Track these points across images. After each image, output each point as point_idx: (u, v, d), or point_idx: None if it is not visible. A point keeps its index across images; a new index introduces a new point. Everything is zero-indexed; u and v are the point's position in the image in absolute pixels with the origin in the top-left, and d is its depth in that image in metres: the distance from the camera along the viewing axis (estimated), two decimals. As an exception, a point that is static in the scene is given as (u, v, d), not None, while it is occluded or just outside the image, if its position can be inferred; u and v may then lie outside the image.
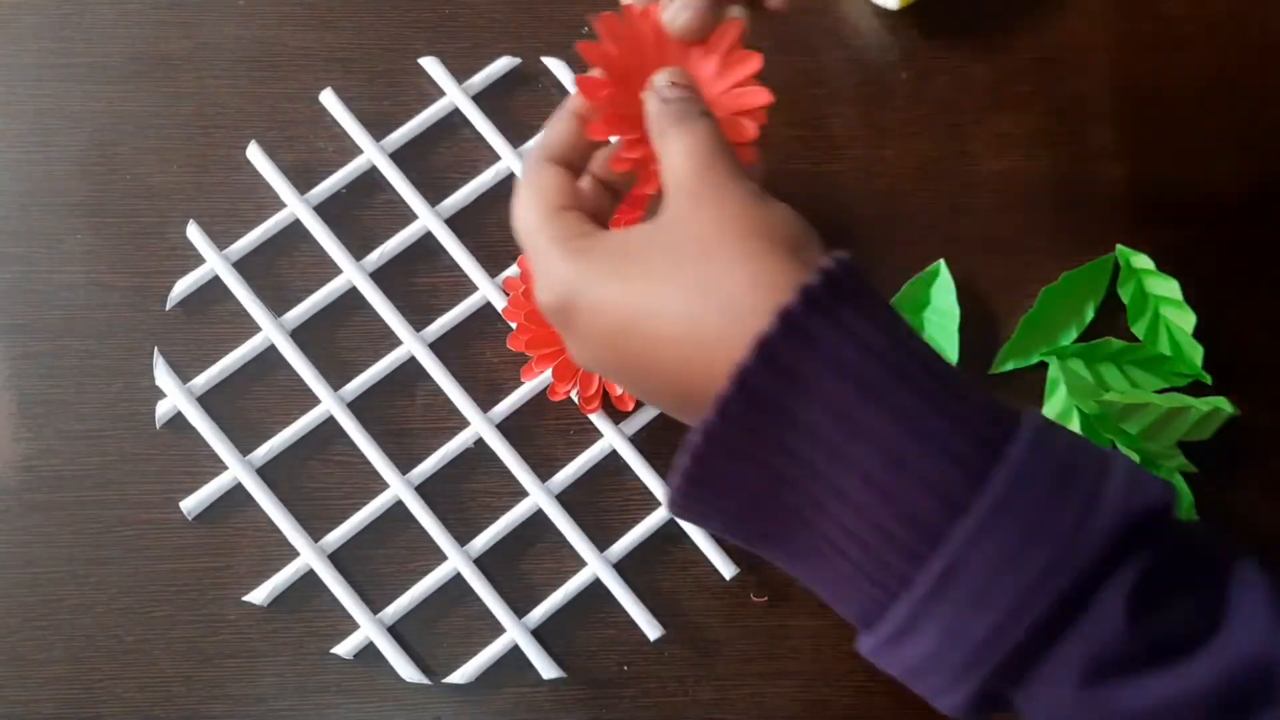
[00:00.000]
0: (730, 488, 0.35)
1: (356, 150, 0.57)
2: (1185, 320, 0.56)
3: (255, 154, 0.56)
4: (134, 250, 0.56)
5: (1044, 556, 0.32)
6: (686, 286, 0.35)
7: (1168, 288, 0.56)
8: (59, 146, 0.57)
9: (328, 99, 0.57)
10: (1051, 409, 0.56)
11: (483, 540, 0.53)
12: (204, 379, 0.54)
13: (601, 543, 0.53)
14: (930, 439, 0.33)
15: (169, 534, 0.53)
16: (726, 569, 0.53)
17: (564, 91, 0.59)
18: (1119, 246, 0.57)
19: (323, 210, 0.56)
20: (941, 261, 0.57)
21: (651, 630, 0.52)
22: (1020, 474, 0.33)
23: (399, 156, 0.57)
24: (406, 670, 0.52)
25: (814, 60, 0.60)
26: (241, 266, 0.56)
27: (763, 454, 0.33)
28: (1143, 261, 0.57)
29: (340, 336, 0.56)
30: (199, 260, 0.56)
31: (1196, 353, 0.56)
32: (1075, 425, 0.55)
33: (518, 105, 0.58)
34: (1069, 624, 0.33)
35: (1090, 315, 0.57)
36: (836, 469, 0.33)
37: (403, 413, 0.55)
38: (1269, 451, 0.56)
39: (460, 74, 0.58)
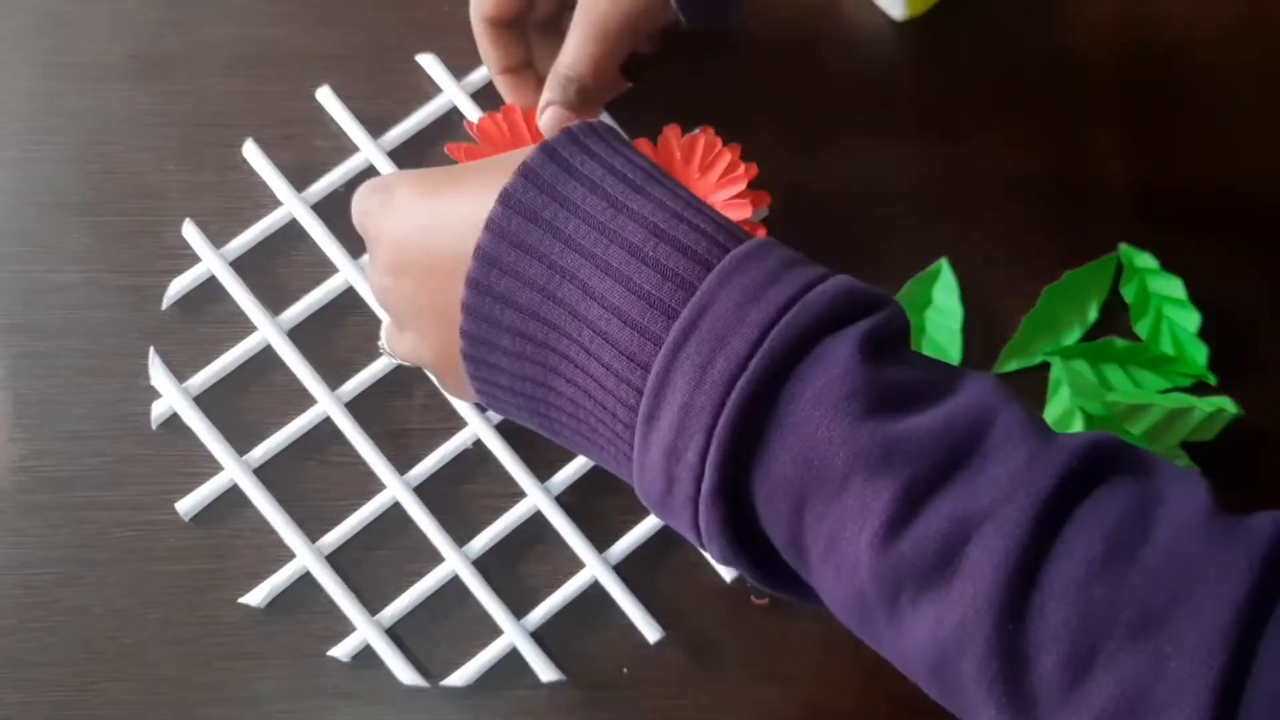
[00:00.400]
0: (507, 304, 0.39)
1: (354, 148, 0.57)
2: (1189, 320, 0.56)
3: (251, 151, 0.56)
4: (130, 250, 0.56)
5: (781, 298, 0.36)
6: (478, 181, 0.41)
7: (1171, 287, 0.56)
8: (55, 145, 0.57)
9: (324, 96, 0.57)
10: (1054, 409, 0.55)
11: (481, 542, 0.53)
12: (200, 379, 0.54)
13: (601, 544, 0.53)
14: (679, 218, 0.38)
15: (166, 535, 0.53)
16: (727, 571, 0.53)
17: None
18: (1122, 245, 0.57)
19: (320, 209, 0.56)
20: (944, 260, 0.57)
21: (651, 633, 0.52)
22: (764, 243, 0.38)
23: (397, 155, 0.57)
24: (404, 673, 0.51)
25: (815, 60, 0.59)
26: (238, 266, 0.55)
27: (534, 253, 0.38)
28: (1146, 260, 0.56)
29: (337, 336, 0.55)
30: (195, 259, 0.55)
31: (1200, 353, 0.55)
32: (1079, 426, 0.55)
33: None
34: (805, 361, 0.36)
35: (1094, 315, 0.57)
36: (600, 248, 0.38)
37: (400, 413, 0.54)
38: (1275, 451, 0.56)
39: (458, 72, 0.58)
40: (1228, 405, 0.53)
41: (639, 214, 0.38)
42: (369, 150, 0.56)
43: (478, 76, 0.58)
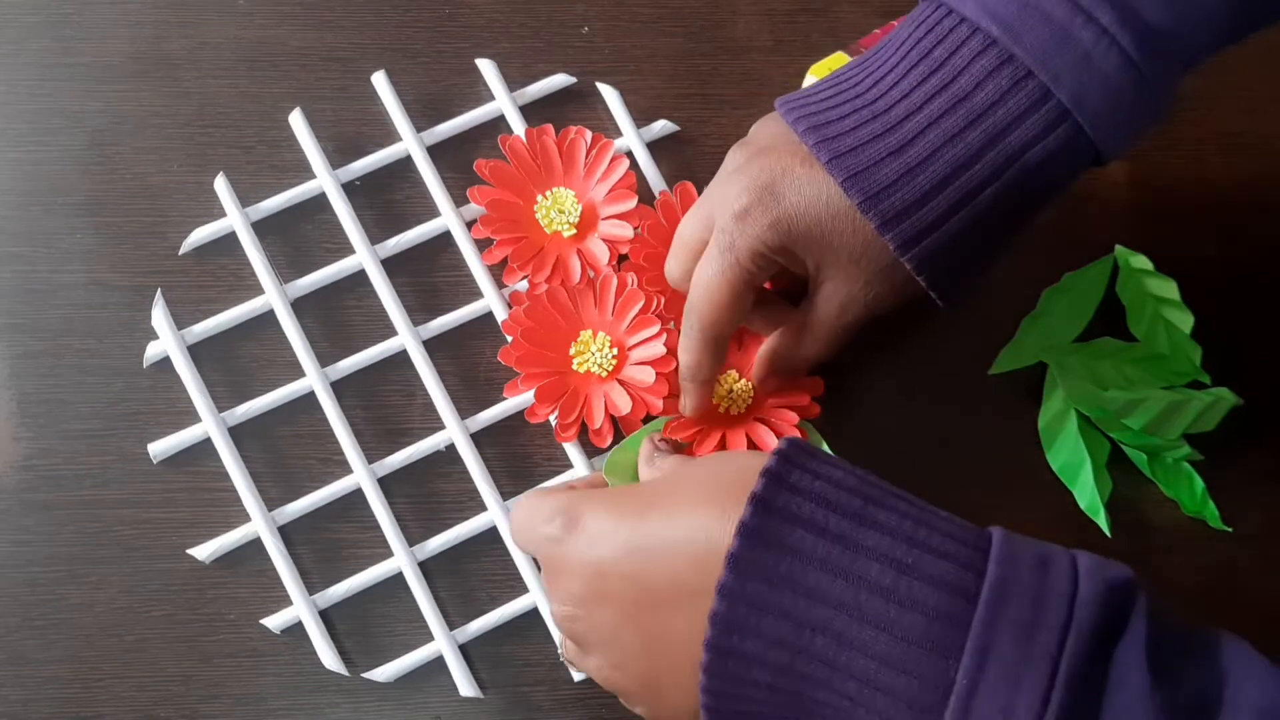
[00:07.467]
0: (754, 662, 0.38)
1: (352, 151, 0.57)
2: (1184, 320, 0.56)
3: (297, 120, 0.57)
4: (134, 250, 0.56)
5: (1056, 622, 0.36)
6: (680, 505, 0.41)
7: (1166, 288, 0.56)
8: (59, 146, 0.57)
9: (379, 82, 0.57)
10: (1050, 410, 0.56)
11: (435, 542, 0.53)
12: (201, 328, 0.54)
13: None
14: (913, 544, 0.38)
15: (168, 533, 0.53)
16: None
17: (609, 113, 0.58)
18: (1118, 247, 0.57)
19: (323, 209, 0.56)
20: (941, 262, 0.57)
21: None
22: (1003, 548, 0.38)
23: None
24: (328, 656, 0.52)
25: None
26: (234, 272, 0.56)
27: (777, 611, 0.37)
28: (1141, 262, 0.57)
29: (343, 315, 0.56)
30: (197, 260, 0.56)
31: (1195, 353, 0.56)
32: (1073, 426, 0.55)
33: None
34: (1100, 684, 0.36)
35: (1090, 316, 0.57)
36: (849, 595, 0.37)
37: (396, 409, 0.55)
38: (1271, 448, 0.56)
39: (459, 72, 0.58)
40: (1225, 395, 0.53)
41: (876, 550, 0.38)
42: (409, 141, 0.56)
43: (534, 89, 0.58)
